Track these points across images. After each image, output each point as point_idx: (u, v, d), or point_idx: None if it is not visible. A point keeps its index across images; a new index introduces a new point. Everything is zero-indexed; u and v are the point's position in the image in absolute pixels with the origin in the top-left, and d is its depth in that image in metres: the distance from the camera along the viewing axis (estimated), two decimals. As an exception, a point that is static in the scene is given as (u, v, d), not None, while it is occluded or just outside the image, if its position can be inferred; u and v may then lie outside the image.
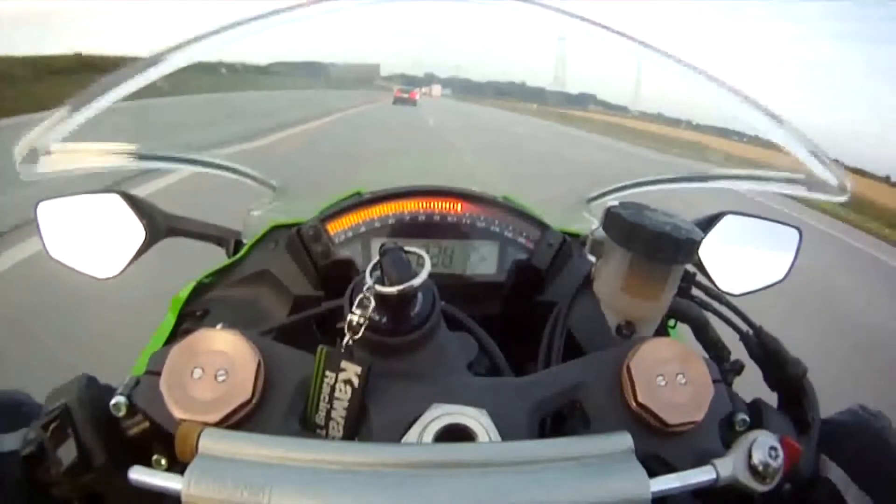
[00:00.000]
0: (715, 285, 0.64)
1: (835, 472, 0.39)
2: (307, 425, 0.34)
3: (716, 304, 0.50)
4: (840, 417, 0.43)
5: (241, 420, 0.32)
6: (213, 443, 0.30)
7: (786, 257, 0.68)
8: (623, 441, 0.32)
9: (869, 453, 0.40)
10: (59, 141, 0.56)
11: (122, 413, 0.33)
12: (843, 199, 0.59)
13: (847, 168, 0.58)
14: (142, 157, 0.69)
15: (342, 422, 0.34)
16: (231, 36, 0.52)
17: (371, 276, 0.36)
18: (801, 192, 0.63)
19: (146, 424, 0.34)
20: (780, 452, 0.34)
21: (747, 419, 0.38)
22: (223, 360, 0.33)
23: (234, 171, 0.81)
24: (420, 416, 0.34)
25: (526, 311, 0.60)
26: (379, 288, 0.34)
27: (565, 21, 0.55)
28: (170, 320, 0.58)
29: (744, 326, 0.48)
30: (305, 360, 0.35)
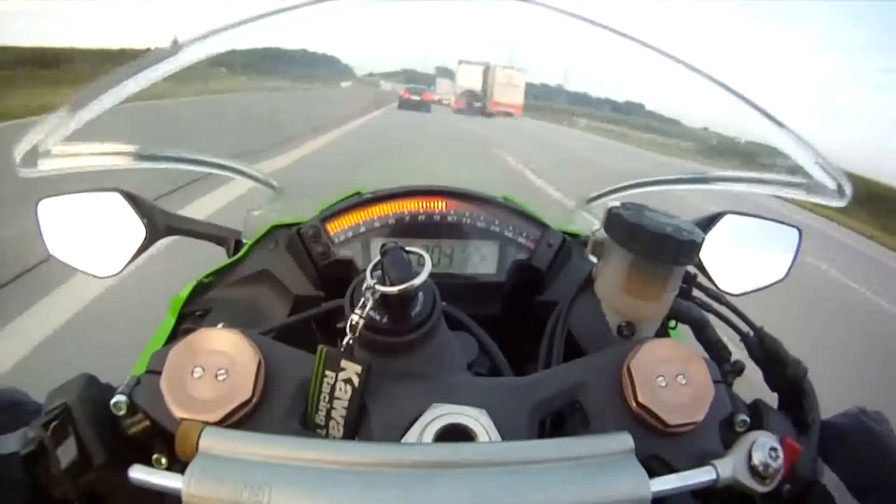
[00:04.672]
0: (715, 285, 0.64)
1: (829, 477, 0.39)
2: (307, 425, 0.34)
3: (716, 305, 0.50)
4: (838, 420, 0.42)
5: (242, 419, 0.32)
6: (213, 442, 0.30)
7: (786, 256, 0.68)
8: (623, 441, 0.32)
9: (867, 457, 0.39)
10: (59, 141, 0.56)
11: (122, 412, 0.33)
12: (842, 203, 0.58)
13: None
14: (142, 158, 0.69)
15: (342, 421, 0.34)
16: (228, 38, 0.52)
17: (372, 275, 0.36)
18: (800, 195, 0.63)
19: (146, 423, 0.34)
20: (780, 453, 0.34)
21: (747, 420, 0.38)
22: (223, 359, 0.33)
23: (234, 170, 0.81)
24: (420, 415, 0.34)
25: (526, 311, 0.60)
26: (380, 288, 0.34)
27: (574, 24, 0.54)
28: (170, 320, 0.58)
29: (744, 327, 0.48)
30: (306, 359, 0.35)
